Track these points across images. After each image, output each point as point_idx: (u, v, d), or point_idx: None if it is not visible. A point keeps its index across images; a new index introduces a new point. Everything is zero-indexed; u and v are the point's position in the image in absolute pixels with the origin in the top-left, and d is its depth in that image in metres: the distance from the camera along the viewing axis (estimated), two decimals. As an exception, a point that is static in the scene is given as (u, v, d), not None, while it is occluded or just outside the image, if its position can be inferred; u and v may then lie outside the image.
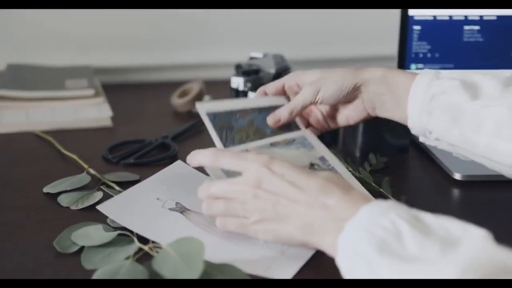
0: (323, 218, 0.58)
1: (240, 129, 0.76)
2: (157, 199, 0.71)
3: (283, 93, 0.82)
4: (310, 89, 0.76)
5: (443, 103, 0.70)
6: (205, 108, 0.76)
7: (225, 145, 0.73)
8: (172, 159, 0.89)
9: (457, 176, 0.82)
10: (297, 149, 0.76)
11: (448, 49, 1.00)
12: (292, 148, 0.76)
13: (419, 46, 1.00)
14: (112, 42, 1.25)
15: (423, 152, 0.92)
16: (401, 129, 0.91)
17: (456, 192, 0.81)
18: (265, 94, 0.82)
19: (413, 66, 1.00)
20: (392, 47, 1.03)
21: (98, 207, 0.68)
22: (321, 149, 0.78)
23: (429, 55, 1.00)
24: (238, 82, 1.00)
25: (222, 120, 0.76)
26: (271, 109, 0.79)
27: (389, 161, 0.88)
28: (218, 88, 1.15)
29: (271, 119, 0.78)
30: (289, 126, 0.79)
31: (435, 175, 0.85)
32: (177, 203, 0.71)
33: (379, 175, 0.82)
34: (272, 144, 0.75)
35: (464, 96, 0.68)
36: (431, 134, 0.72)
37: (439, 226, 0.53)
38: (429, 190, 0.82)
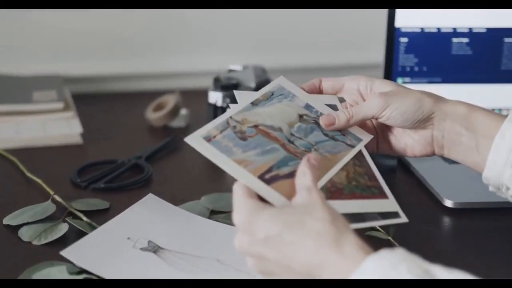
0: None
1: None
2: (128, 238, 0.66)
3: (336, 94, 0.72)
4: (379, 101, 0.66)
5: None
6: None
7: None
8: (145, 182, 0.83)
9: (448, 203, 0.78)
10: (279, 102, 0.69)
11: (436, 63, 0.96)
12: (275, 103, 0.68)
13: (406, 59, 0.95)
14: (83, 49, 1.19)
15: (411, 174, 0.87)
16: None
17: (447, 220, 0.77)
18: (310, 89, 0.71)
19: (399, 79, 0.96)
20: (377, 55, 0.98)
21: (62, 253, 0.62)
22: (303, 95, 0.70)
23: (416, 68, 0.96)
24: (216, 97, 0.95)
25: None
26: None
27: (376, 184, 0.83)
28: (196, 99, 1.09)
29: (324, 120, 0.68)
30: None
31: (425, 201, 0.81)
32: (149, 241, 0.65)
33: (366, 203, 0.77)
34: (253, 104, 0.67)
35: None
36: (509, 190, 0.65)
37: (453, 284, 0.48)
38: (419, 218, 0.77)
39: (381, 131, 0.72)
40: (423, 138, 0.69)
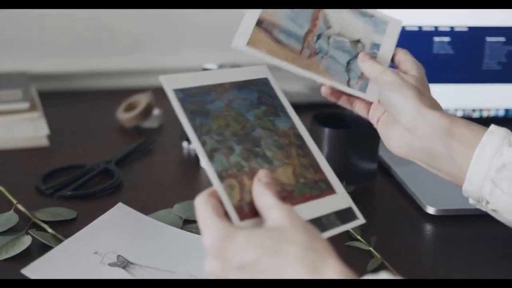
0: None
1: (217, 114, 0.59)
2: (95, 253, 0.62)
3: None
4: (393, 78, 0.67)
5: None
6: (171, 83, 0.59)
7: (200, 138, 0.56)
8: (115, 189, 0.80)
9: (430, 210, 0.75)
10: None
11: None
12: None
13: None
14: (51, 45, 1.13)
15: (392, 178, 0.85)
16: (370, 152, 0.85)
17: (429, 228, 0.74)
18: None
19: (379, 79, 0.93)
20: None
21: (23, 271, 0.58)
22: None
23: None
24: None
25: (194, 101, 0.59)
26: (252, 83, 0.65)
27: (355, 190, 0.80)
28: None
29: (363, 53, 0.70)
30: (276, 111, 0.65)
31: (406, 208, 0.78)
32: (118, 256, 0.62)
33: (346, 210, 0.74)
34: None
35: None
36: (489, 204, 0.63)
37: None
38: (400, 226, 0.75)
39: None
40: (398, 136, 0.67)
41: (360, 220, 0.61)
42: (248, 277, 0.50)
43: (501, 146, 0.61)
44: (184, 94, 0.58)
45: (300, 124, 0.65)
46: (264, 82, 0.66)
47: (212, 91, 0.61)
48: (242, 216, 0.53)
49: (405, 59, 0.71)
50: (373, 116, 0.71)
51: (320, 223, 0.58)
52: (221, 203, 0.54)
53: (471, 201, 0.65)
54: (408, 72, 0.69)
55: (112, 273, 0.60)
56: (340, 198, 0.62)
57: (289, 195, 0.59)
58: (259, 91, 0.64)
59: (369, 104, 0.71)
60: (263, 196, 0.54)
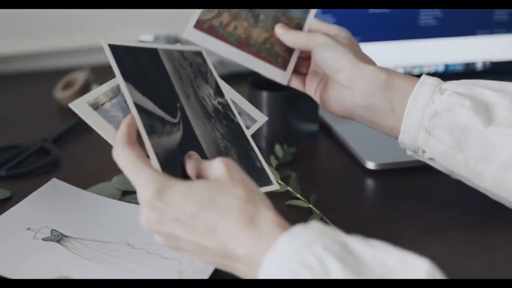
0: (240, 270, 0.50)
1: None
2: (28, 229, 0.60)
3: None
4: (310, 36, 0.69)
5: (447, 123, 0.61)
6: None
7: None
8: (52, 167, 0.78)
9: (370, 165, 0.76)
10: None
11: (354, 22, 0.93)
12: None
13: (323, 19, 0.92)
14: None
15: (334, 139, 0.85)
16: (310, 114, 0.84)
17: (369, 182, 0.75)
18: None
19: (318, 41, 0.92)
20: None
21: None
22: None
23: (334, 29, 0.93)
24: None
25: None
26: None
27: (297, 151, 0.80)
28: (107, 76, 1.02)
29: (280, 26, 0.72)
30: None
31: (347, 165, 0.78)
32: (52, 230, 0.60)
33: (287, 171, 0.74)
34: None
35: (475, 120, 0.59)
36: (425, 153, 0.63)
37: (374, 259, 0.45)
38: (341, 183, 0.75)
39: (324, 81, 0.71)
40: (337, 96, 0.67)
41: (274, 185, 0.61)
42: (184, 229, 0.50)
43: (433, 95, 0.62)
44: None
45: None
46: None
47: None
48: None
49: (329, 27, 0.72)
50: (310, 88, 0.72)
51: None
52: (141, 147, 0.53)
53: (408, 152, 0.66)
54: (337, 35, 0.70)
55: (46, 247, 0.58)
56: (282, 74, 0.71)
57: (247, 44, 0.69)
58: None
59: (303, 77, 0.72)
60: (198, 166, 0.54)
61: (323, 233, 0.47)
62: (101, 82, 1.01)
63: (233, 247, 0.48)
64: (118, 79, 0.55)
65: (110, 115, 0.55)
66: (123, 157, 0.52)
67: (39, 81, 1.07)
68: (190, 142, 0.57)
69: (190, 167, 0.54)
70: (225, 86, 0.66)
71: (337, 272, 0.44)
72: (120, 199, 0.68)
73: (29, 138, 0.84)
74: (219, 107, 0.63)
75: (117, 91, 0.57)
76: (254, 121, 0.66)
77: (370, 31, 0.95)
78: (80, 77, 0.98)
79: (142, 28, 1.09)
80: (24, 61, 1.12)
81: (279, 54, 0.71)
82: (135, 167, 0.51)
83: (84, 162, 0.80)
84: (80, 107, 0.54)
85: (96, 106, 0.55)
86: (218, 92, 0.64)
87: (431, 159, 0.64)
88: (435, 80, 0.63)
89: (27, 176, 0.75)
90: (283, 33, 0.71)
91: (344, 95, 0.67)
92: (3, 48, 1.11)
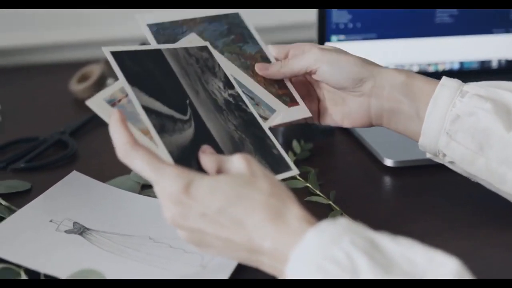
0: (265, 264, 0.50)
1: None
2: (50, 221, 0.60)
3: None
4: (316, 53, 0.64)
5: (469, 126, 0.60)
6: (145, 19, 0.63)
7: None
8: (70, 160, 0.78)
9: (388, 162, 0.76)
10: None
11: (370, 18, 0.93)
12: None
13: (340, 16, 0.92)
14: (-2, 19, 1.10)
15: (351, 135, 0.85)
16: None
17: (387, 179, 0.75)
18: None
19: (334, 37, 0.92)
20: (310, 14, 0.94)
21: (-25, 242, 0.57)
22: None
23: (350, 25, 0.93)
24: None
25: (167, 34, 0.62)
26: (222, 17, 0.68)
27: (314, 147, 0.80)
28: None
29: (259, 66, 0.67)
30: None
31: (365, 162, 0.78)
32: (75, 223, 0.60)
33: (305, 167, 0.74)
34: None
35: (496, 123, 0.59)
36: (446, 157, 0.63)
37: (402, 256, 0.45)
38: (359, 180, 0.75)
39: (322, 102, 0.68)
40: (360, 106, 0.65)
41: (294, 171, 0.61)
42: (210, 224, 0.50)
43: (454, 98, 0.61)
44: (157, 28, 0.62)
45: (267, 48, 0.69)
46: (234, 16, 0.69)
47: (184, 25, 0.64)
48: None
49: (291, 46, 0.68)
50: (313, 113, 0.68)
51: None
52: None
53: (428, 155, 0.66)
54: (311, 49, 0.66)
55: (68, 240, 0.58)
56: (302, 108, 0.67)
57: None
58: (229, 23, 0.68)
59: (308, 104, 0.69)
60: (215, 161, 0.53)
61: (351, 229, 0.47)
62: (116, 75, 1.01)
63: (260, 240, 0.49)
64: (123, 84, 0.55)
65: (126, 111, 0.55)
66: (137, 157, 0.51)
67: (54, 73, 1.07)
68: (203, 137, 0.57)
69: (207, 162, 0.54)
70: (240, 74, 0.66)
71: (365, 268, 0.44)
72: (139, 193, 0.69)
73: (45, 130, 0.84)
74: (230, 99, 0.63)
75: None
76: (273, 111, 0.66)
77: (386, 28, 0.95)
78: (95, 70, 0.99)
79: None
80: (39, 53, 1.13)
81: (279, 93, 0.67)
82: (154, 165, 0.51)
83: (101, 154, 0.80)
84: (97, 103, 0.55)
85: (112, 103, 0.55)
86: (228, 85, 0.64)
87: (451, 162, 0.64)
88: (455, 82, 0.63)
89: (45, 168, 0.75)
90: (275, 70, 0.66)
91: (363, 105, 0.65)
92: (18, 40, 1.11)
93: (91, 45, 1.14)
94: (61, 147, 0.81)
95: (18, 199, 0.67)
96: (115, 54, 0.56)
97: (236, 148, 0.58)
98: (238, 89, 0.64)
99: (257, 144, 0.61)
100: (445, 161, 0.64)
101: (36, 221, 0.60)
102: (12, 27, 1.11)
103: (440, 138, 0.62)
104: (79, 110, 0.94)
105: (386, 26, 0.95)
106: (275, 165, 0.60)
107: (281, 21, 1.23)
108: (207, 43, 0.67)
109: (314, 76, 0.66)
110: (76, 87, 0.97)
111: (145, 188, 0.70)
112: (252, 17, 1.22)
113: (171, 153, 0.53)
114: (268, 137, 0.62)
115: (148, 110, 0.54)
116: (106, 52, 0.56)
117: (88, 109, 0.94)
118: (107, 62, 1.01)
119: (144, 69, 0.57)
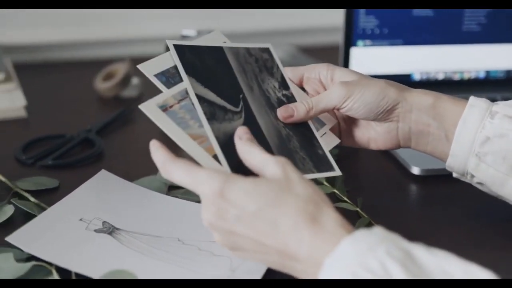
0: (297, 269, 0.50)
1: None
2: (80, 220, 0.61)
3: (299, 85, 0.67)
4: (340, 91, 0.62)
5: (500, 149, 0.59)
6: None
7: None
8: (97, 158, 0.78)
9: (415, 170, 0.76)
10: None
11: (397, 24, 0.93)
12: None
13: (366, 21, 0.92)
14: (25, 15, 1.10)
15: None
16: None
17: (414, 188, 0.75)
18: None
19: (360, 42, 0.92)
20: (337, 18, 0.94)
21: (8, 239, 0.57)
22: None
23: (377, 30, 0.93)
24: (169, 66, 0.90)
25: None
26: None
27: (340, 153, 0.80)
28: (147, 68, 1.03)
29: (282, 111, 0.63)
30: None
31: (391, 169, 0.78)
32: (104, 222, 0.61)
33: (332, 172, 0.74)
34: None
35: None
36: (474, 178, 0.62)
37: (437, 268, 0.45)
38: (385, 187, 0.75)
39: (344, 124, 0.67)
40: (387, 131, 0.65)
41: (336, 172, 0.62)
42: (244, 227, 0.50)
43: (483, 119, 0.61)
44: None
45: (285, 72, 0.67)
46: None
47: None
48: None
49: (320, 70, 0.65)
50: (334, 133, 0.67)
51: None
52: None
53: (455, 174, 0.65)
54: (342, 78, 0.64)
55: (98, 239, 0.59)
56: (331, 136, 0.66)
57: None
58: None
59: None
60: (251, 154, 0.53)
61: (386, 239, 0.47)
62: (140, 74, 1.01)
63: (295, 245, 0.49)
64: (181, 72, 0.58)
65: (177, 117, 0.56)
66: (175, 170, 0.52)
67: (79, 70, 1.08)
68: (251, 128, 0.58)
69: (243, 151, 0.54)
70: (298, 90, 0.67)
71: (399, 278, 0.44)
72: (166, 194, 0.69)
73: (69, 127, 0.85)
74: (283, 98, 0.65)
75: (185, 93, 0.58)
76: (322, 124, 0.66)
77: (413, 34, 0.95)
78: (120, 69, 0.99)
79: (183, 22, 1.09)
80: (64, 50, 1.13)
81: None
82: (191, 171, 0.51)
83: (127, 153, 0.81)
84: (150, 108, 0.56)
85: (164, 108, 0.56)
86: (284, 85, 0.66)
87: (480, 183, 0.63)
88: (484, 103, 0.62)
89: (73, 166, 0.76)
90: (302, 116, 0.63)
91: (396, 128, 0.64)
92: (43, 36, 1.12)
93: (117, 43, 1.14)
94: (87, 145, 0.81)
95: (46, 196, 0.68)
96: (177, 47, 0.60)
97: (282, 142, 0.60)
98: (293, 90, 0.66)
99: (304, 142, 0.62)
100: (473, 182, 0.63)
101: (66, 219, 0.61)
102: (39, 24, 1.12)
103: (469, 160, 0.61)
104: (104, 108, 0.94)
105: (413, 32, 0.94)
106: (319, 163, 0.61)
107: (308, 24, 1.23)
108: (269, 45, 0.69)
109: (341, 111, 0.64)
110: (101, 85, 0.97)
111: (172, 189, 0.70)
112: (278, 19, 1.23)
113: (217, 138, 0.56)
114: (315, 138, 0.64)
115: (201, 99, 0.58)
116: (170, 44, 0.60)
117: (112, 107, 0.95)
118: (132, 61, 1.02)
119: (202, 62, 0.61)
